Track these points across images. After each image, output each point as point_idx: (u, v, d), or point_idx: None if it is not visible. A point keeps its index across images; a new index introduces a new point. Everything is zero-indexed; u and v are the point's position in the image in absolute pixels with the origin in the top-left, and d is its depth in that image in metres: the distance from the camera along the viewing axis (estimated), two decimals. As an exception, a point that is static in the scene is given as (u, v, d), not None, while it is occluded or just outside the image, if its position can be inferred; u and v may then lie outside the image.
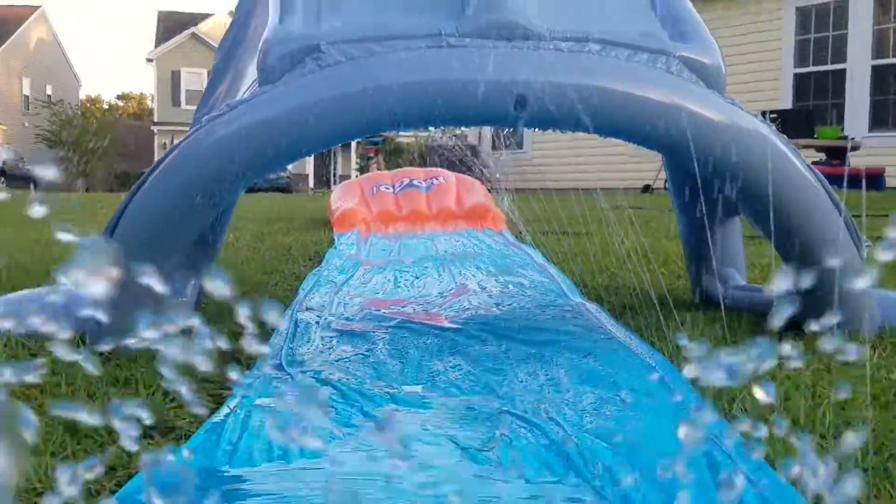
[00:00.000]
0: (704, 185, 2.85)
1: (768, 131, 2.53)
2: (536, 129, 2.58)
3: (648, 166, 14.06)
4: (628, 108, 2.40)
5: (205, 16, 39.34)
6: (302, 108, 2.36)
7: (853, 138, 12.15)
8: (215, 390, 2.18)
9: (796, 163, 2.55)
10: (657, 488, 1.49)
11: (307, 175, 35.19)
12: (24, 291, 2.86)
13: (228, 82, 3.11)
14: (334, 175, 32.59)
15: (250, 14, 3.18)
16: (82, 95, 43.41)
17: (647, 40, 2.54)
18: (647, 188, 13.55)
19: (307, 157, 32.95)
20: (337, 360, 2.56)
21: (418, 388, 2.26)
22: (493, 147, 18.68)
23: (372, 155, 17.47)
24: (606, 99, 2.37)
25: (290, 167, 31.40)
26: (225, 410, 1.95)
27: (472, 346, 2.73)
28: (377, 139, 17.12)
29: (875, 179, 9.52)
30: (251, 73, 2.75)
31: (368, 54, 2.40)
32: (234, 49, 3.22)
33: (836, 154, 11.15)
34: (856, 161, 11.35)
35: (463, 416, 2.00)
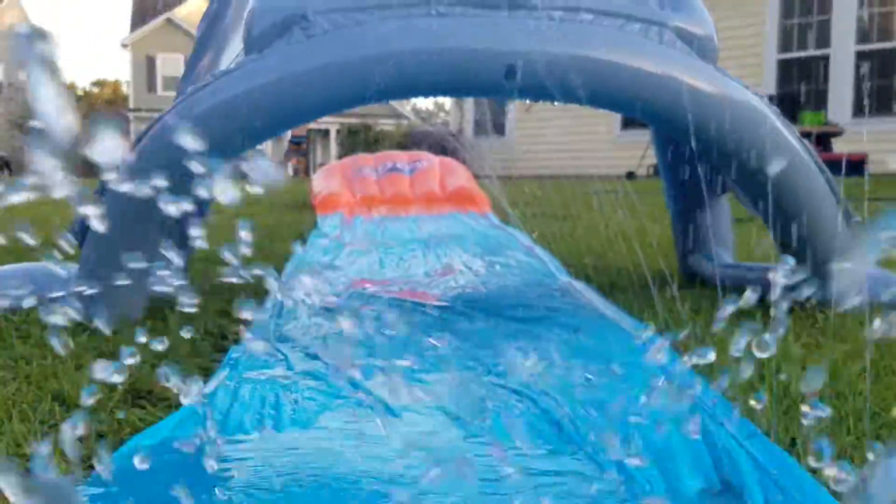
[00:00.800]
0: (696, 160, 2.83)
1: (760, 103, 2.51)
2: (527, 101, 2.54)
3: (632, 153, 14.05)
4: (621, 79, 2.37)
5: (180, 1, 38.92)
6: (290, 77, 2.32)
7: (837, 124, 12.18)
8: (204, 363, 2.16)
9: (787, 135, 2.53)
10: (651, 454, 1.47)
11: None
12: (9, 266, 2.82)
13: (213, 53, 3.05)
14: (313, 163, 32.43)
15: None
16: (56, 81, 42.82)
17: (640, 10, 2.50)
18: (630, 175, 13.54)
19: (285, 145, 32.76)
20: (325, 337, 2.53)
21: (407, 363, 2.24)
22: (476, 133, 18.63)
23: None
24: (599, 69, 2.34)
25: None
26: (214, 382, 1.92)
27: (460, 322, 2.70)
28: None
29: (857, 165, 9.52)
30: (236, 44, 2.70)
31: (356, 24, 2.36)
32: (217, 19, 3.16)
33: (820, 140, 11.17)
34: (840, 147, 11.39)
35: (453, 389, 1.99)
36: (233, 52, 2.82)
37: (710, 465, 1.46)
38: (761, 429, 1.59)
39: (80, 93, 40.43)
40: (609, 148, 15.91)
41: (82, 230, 2.53)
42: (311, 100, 2.34)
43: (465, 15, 2.38)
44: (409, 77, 2.31)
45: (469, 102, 18.66)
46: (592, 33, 2.42)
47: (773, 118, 2.51)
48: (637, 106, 2.47)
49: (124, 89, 41.77)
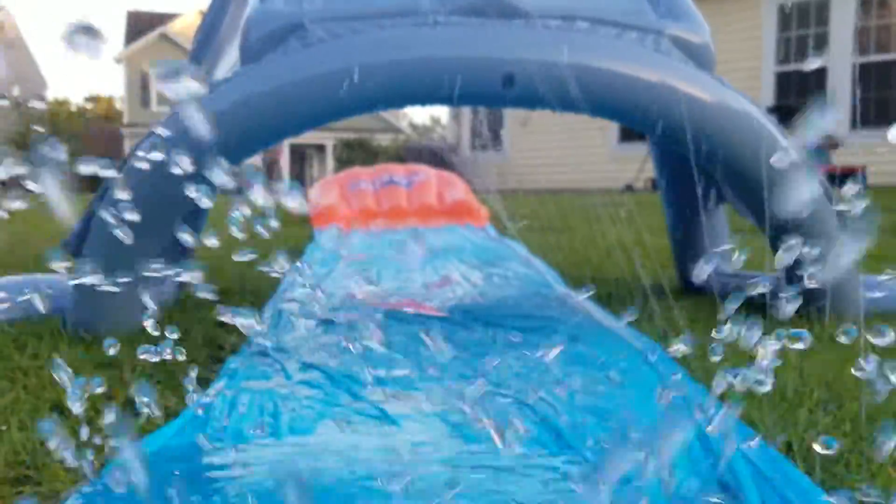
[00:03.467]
0: (693, 170, 2.84)
1: (758, 112, 2.51)
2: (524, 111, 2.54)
3: (629, 166, 14.07)
4: (618, 87, 2.37)
5: (174, 16, 38.88)
6: (287, 86, 2.32)
7: (834, 136, 12.18)
8: (203, 374, 2.15)
9: (784, 144, 2.53)
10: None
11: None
12: (7, 278, 2.82)
13: (208, 64, 3.05)
14: (310, 177, 32.44)
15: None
16: (50, 97, 42.74)
17: (636, 18, 2.51)
18: (628, 188, 13.55)
19: (282, 159, 32.75)
20: (322, 347, 2.53)
21: (406, 372, 2.23)
22: (473, 147, 18.65)
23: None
24: (595, 78, 2.34)
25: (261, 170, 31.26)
26: (213, 392, 1.93)
27: (458, 332, 2.70)
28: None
29: (850, 177, 9.51)
30: (232, 55, 2.70)
31: (353, 32, 2.36)
32: (213, 31, 3.16)
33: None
34: (839, 160, 11.39)
35: (452, 398, 1.98)
36: (228, 63, 2.82)
37: (706, 466, 1.46)
38: (757, 432, 1.59)
39: (73, 108, 40.34)
40: (606, 161, 15.92)
41: (79, 242, 2.52)
42: (308, 108, 2.34)
43: (461, 24, 2.39)
44: (407, 86, 2.31)
45: (466, 117, 18.69)
46: (589, 42, 2.43)
47: (771, 127, 2.51)
48: (634, 114, 2.47)
49: (118, 105, 41.62)
